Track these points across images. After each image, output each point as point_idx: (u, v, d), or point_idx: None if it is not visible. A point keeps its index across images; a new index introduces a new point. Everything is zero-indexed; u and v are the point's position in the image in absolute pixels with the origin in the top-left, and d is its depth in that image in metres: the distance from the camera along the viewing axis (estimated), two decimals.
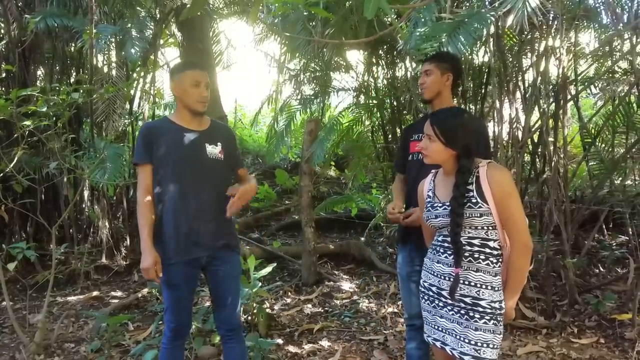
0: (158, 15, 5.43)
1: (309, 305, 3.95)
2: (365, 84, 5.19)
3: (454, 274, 1.67)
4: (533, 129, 3.86)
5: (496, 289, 1.66)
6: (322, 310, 3.85)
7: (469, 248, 1.67)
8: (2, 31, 4.83)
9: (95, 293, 4.32)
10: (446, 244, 1.73)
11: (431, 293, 1.79)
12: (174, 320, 2.18)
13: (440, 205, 1.75)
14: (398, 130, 4.88)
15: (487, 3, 3.58)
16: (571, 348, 2.98)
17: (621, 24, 3.63)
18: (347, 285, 4.43)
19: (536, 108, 3.79)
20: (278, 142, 5.83)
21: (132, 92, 5.09)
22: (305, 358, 3.04)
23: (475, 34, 2.67)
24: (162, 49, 6.45)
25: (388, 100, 4.89)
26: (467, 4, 4.00)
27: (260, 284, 3.35)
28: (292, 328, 3.48)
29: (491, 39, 3.46)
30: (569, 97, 3.82)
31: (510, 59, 4.01)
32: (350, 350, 3.12)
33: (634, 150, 3.84)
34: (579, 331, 3.20)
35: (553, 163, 3.53)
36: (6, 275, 3.89)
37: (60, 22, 4.41)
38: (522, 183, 4.07)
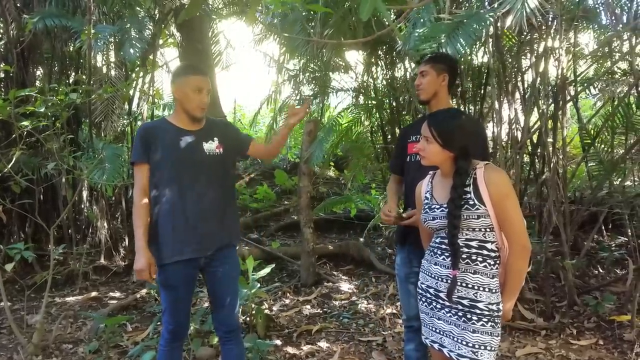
0: (157, 16, 5.43)
1: (308, 306, 3.95)
2: (365, 84, 5.18)
3: (451, 276, 1.67)
4: (532, 130, 3.86)
5: (494, 291, 1.66)
6: (321, 311, 3.85)
7: (466, 250, 1.67)
8: (1, 31, 4.83)
9: (93, 294, 4.31)
10: (444, 246, 1.72)
11: (429, 295, 1.78)
12: (172, 321, 2.18)
13: (437, 207, 1.74)
14: (397, 131, 4.86)
15: (486, 4, 3.57)
16: (570, 349, 2.97)
17: (620, 25, 3.63)
18: (346, 286, 4.42)
19: (535, 109, 3.79)
20: None
21: (131, 92, 5.08)
22: (304, 359, 3.04)
23: (474, 35, 2.66)
24: (161, 49, 6.46)
25: (387, 101, 4.88)
26: (466, 5, 4.00)
27: (258, 284, 3.34)
28: (291, 329, 3.47)
29: (490, 40, 3.45)
30: (568, 97, 3.81)
31: (510, 60, 4.01)
32: (349, 352, 3.11)
33: (633, 151, 3.82)
34: (578, 332, 3.20)
35: (552, 164, 3.52)
36: (4, 276, 3.88)
37: (59, 22, 4.40)
38: (521, 184, 4.07)
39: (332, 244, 5.44)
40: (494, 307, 1.65)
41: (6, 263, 3.26)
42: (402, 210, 2.31)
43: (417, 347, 2.22)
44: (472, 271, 1.66)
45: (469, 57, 4.19)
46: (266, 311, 3.62)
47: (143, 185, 2.12)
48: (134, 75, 5.31)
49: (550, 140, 3.68)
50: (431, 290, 1.77)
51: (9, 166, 3.20)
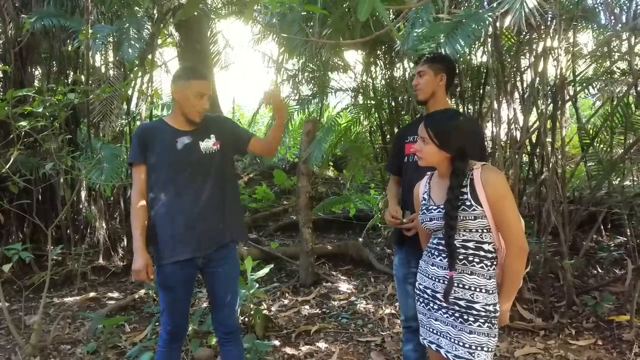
0: (155, 15, 5.42)
1: (307, 307, 3.94)
2: (364, 84, 5.17)
3: (448, 277, 1.67)
4: (531, 130, 3.85)
5: (490, 292, 1.65)
6: (320, 312, 3.84)
7: (463, 251, 1.66)
8: None
9: (91, 294, 4.31)
10: (441, 247, 1.72)
11: (426, 296, 1.78)
12: (170, 322, 2.17)
13: (435, 207, 1.74)
14: (396, 131, 4.86)
15: (485, 3, 3.57)
16: (569, 350, 2.97)
17: (619, 25, 3.62)
18: (344, 286, 4.42)
19: (534, 109, 3.78)
20: None
21: (129, 92, 5.07)
22: None
23: (473, 35, 2.66)
24: (159, 49, 6.44)
25: (386, 101, 4.88)
26: (465, 5, 3.99)
27: (257, 285, 3.34)
28: (290, 329, 3.47)
29: (489, 40, 3.44)
30: (567, 97, 3.80)
31: (508, 60, 4.00)
32: (348, 352, 3.11)
33: (632, 150, 3.82)
34: (576, 333, 3.19)
35: (551, 164, 3.51)
36: (2, 277, 3.88)
37: (57, 22, 4.39)
38: (520, 184, 4.07)
39: (331, 244, 5.43)
40: (491, 308, 1.64)
41: (4, 263, 3.25)
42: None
43: (415, 348, 2.21)
44: (469, 272, 1.66)
45: (468, 57, 4.18)
46: (265, 311, 3.62)
47: (141, 185, 2.12)
48: (132, 75, 5.30)
49: (549, 140, 3.67)
50: (428, 291, 1.77)
51: (7, 166, 3.20)
